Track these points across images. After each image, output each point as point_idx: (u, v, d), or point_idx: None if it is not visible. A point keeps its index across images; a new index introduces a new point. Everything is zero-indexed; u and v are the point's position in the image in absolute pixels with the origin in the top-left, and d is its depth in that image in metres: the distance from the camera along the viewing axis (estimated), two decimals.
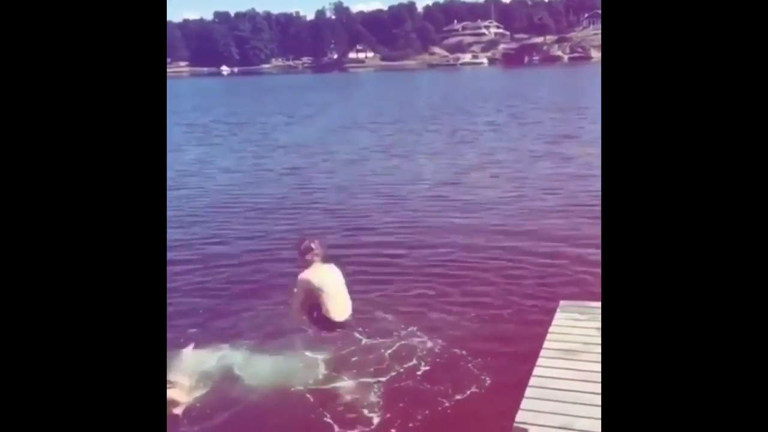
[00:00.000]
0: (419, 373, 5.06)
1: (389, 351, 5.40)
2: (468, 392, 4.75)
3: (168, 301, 5.50)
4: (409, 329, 5.75)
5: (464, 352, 5.32)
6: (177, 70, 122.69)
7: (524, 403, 3.87)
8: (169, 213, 10.15)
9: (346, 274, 5.68)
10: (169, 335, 5.12)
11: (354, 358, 5.32)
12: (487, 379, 4.91)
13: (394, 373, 5.05)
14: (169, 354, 4.96)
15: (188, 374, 4.98)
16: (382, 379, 4.98)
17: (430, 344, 5.48)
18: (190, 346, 5.37)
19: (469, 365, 5.13)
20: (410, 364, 5.19)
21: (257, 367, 5.18)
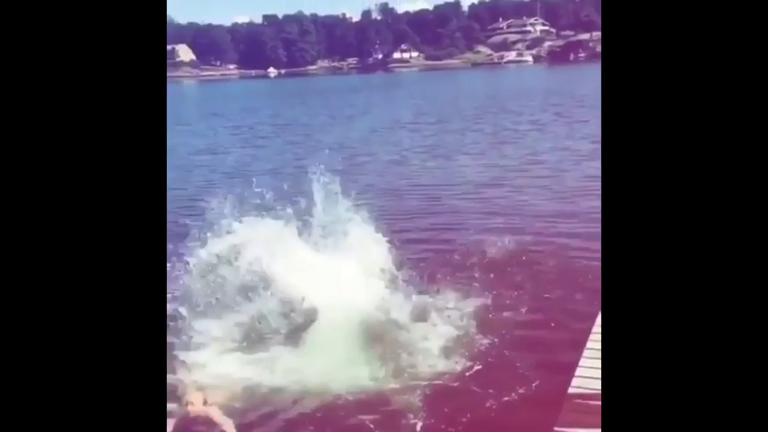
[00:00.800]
0: (469, 373, 5.02)
1: (439, 352, 5.36)
2: (513, 394, 4.71)
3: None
4: (460, 327, 5.72)
5: (513, 353, 5.29)
6: (226, 72, 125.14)
7: (567, 405, 3.85)
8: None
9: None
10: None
11: (405, 357, 5.29)
12: (536, 380, 4.86)
13: (447, 376, 5.00)
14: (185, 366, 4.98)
15: (221, 389, 4.82)
16: (438, 381, 4.91)
17: (484, 342, 5.46)
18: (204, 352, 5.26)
19: (517, 364, 5.09)
20: (461, 364, 5.14)
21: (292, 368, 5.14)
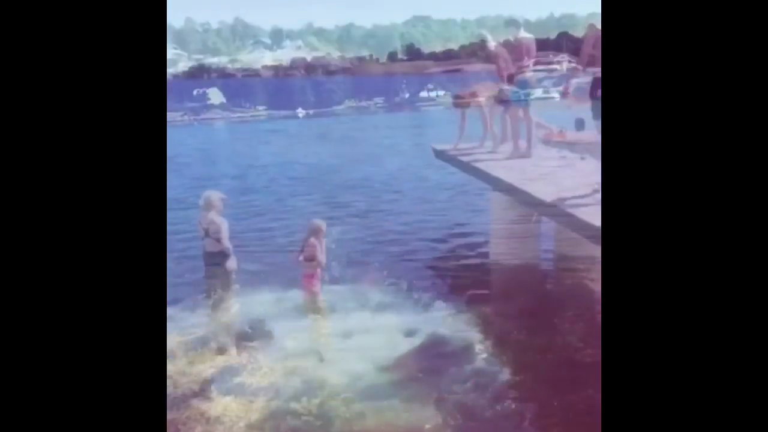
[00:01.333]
0: (502, 408, 4.91)
1: (472, 387, 5.24)
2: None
3: None
4: (504, 370, 5.59)
5: (547, 389, 5.24)
6: (255, 113, 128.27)
7: None
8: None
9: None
10: None
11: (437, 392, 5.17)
12: (572, 416, 4.76)
13: (479, 412, 4.91)
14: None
15: None
16: (470, 421, 4.83)
17: (516, 378, 5.44)
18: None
19: (554, 403, 4.94)
20: (495, 399, 5.04)
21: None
